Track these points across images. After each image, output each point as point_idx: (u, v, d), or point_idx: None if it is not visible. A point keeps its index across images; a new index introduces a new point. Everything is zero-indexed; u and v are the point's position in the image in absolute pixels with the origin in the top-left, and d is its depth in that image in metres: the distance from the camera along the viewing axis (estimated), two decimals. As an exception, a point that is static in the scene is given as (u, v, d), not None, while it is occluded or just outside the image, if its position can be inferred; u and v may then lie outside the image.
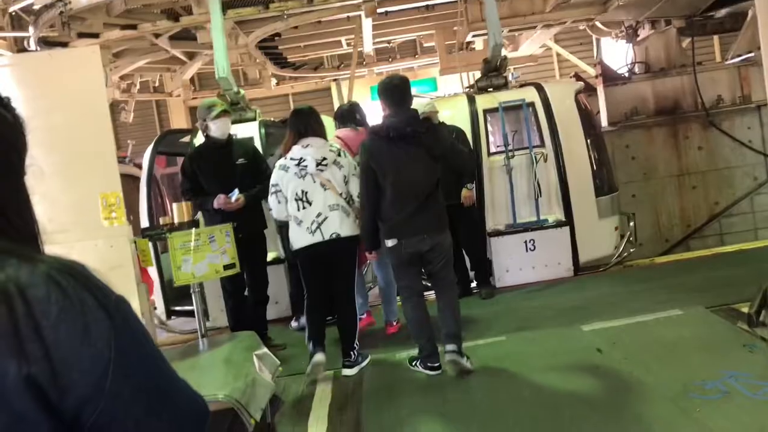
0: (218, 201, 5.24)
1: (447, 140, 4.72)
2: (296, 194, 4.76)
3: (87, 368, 0.84)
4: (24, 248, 0.91)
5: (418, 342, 4.68)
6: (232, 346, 4.47)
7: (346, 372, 4.84)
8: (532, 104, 7.11)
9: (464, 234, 6.52)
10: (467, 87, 8.14)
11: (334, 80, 15.37)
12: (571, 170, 7.06)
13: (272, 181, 4.89)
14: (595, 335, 4.91)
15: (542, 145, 7.06)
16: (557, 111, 7.09)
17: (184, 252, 4.45)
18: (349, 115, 5.91)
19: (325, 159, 4.77)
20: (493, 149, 7.18)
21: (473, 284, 6.89)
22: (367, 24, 10.30)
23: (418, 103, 6.51)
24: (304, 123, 4.91)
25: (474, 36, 10.24)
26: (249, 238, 5.37)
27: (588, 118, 7.51)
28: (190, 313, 6.40)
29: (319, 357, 4.78)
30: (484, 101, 7.23)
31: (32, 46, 8.45)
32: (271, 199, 4.89)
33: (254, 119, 7.03)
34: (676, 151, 10.03)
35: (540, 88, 7.30)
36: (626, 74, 10.55)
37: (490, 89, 7.42)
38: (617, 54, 11.96)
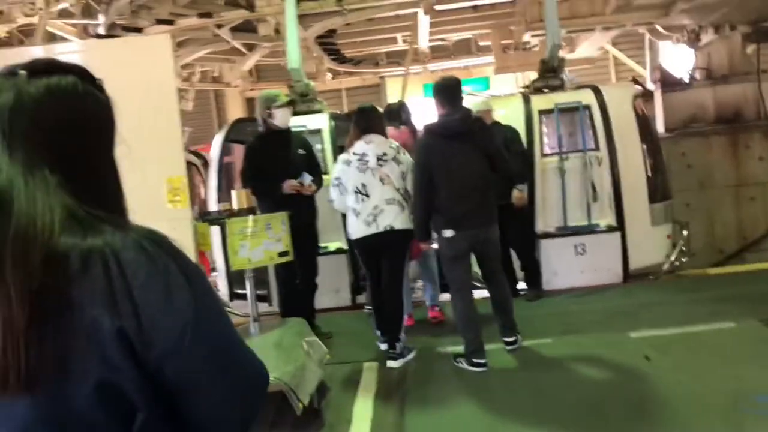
0: (288, 185, 5.35)
1: (497, 142, 5.00)
2: (356, 187, 5.00)
3: (169, 327, 0.96)
4: (117, 218, 1.03)
5: (465, 336, 4.78)
6: (283, 332, 4.58)
7: (391, 364, 4.95)
8: (588, 107, 7.03)
9: (514, 235, 6.51)
10: (523, 87, 8.09)
11: (380, 77, 15.46)
12: (625, 175, 6.96)
13: (335, 174, 5.15)
14: (643, 342, 4.87)
15: (597, 148, 6.99)
16: (614, 115, 7.00)
17: (242, 238, 4.59)
18: (395, 114, 6.01)
19: (385, 155, 4.99)
20: (546, 150, 7.13)
21: (521, 285, 6.88)
22: (423, 21, 10.34)
23: (473, 102, 6.63)
24: (367, 120, 5.19)
25: (531, 36, 10.18)
26: (301, 228, 5.46)
27: (645, 123, 7.39)
28: (258, 297, 6.62)
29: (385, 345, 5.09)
30: (539, 102, 7.19)
31: (102, 33, 8.76)
32: (333, 191, 5.15)
33: (321, 111, 7.16)
34: (735, 160, 9.76)
35: (597, 91, 7.21)
36: (686, 80, 10.32)
37: (546, 90, 7.37)
38: (676, 59, 11.72)
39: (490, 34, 12.73)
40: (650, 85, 10.42)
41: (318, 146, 6.72)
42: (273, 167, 5.44)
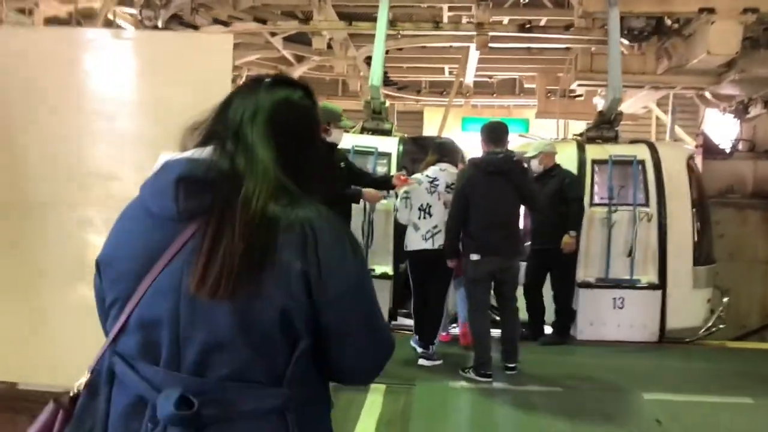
0: (371, 195, 5.57)
1: (533, 185, 5.60)
2: (421, 205, 5.63)
3: (340, 281, 1.30)
4: (310, 199, 1.35)
5: (477, 349, 5.24)
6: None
7: (422, 362, 5.57)
8: (642, 162, 7.03)
9: (555, 279, 6.54)
10: (577, 135, 8.11)
11: (421, 105, 15.55)
12: (672, 234, 6.90)
13: (405, 188, 5.73)
14: (655, 405, 4.78)
15: (647, 204, 6.95)
16: (667, 173, 6.98)
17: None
18: (451, 154, 6.13)
19: (453, 184, 5.57)
20: (596, 200, 7.09)
21: (547, 329, 6.81)
22: (473, 56, 10.42)
23: (538, 143, 6.90)
24: (443, 151, 5.96)
25: (579, 85, 10.19)
26: None
27: (697, 185, 7.34)
28: None
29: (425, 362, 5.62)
30: (593, 151, 7.19)
31: (160, 25, 8.96)
32: (401, 204, 5.75)
33: (390, 131, 7.26)
34: (767, 237, 9.64)
35: (652, 147, 7.22)
36: (728, 150, 10.24)
37: (599, 140, 7.39)
38: (720, 127, 11.65)
39: (536, 77, 12.78)
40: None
41: (383, 170, 6.85)
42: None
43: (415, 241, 5.69)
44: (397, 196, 6.00)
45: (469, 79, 12.36)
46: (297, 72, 12.66)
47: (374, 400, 4.75)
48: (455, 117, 15.18)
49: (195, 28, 8.73)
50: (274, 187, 1.30)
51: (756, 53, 8.73)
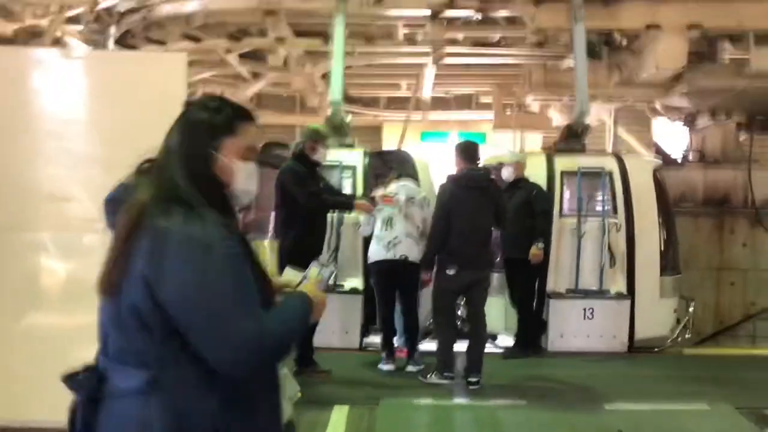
0: (364, 205, 5.75)
1: (504, 200, 5.87)
2: (384, 218, 5.84)
3: (173, 285, 1.46)
4: (206, 208, 1.52)
5: (441, 354, 5.39)
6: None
7: (410, 368, 5.79)
8: (610, 173, 7.15)
9: (519, 290, 6.62)
10: (546, 148, 8.26)
11: (380, 120, 15.62)
12: (639, 244, 7.03)
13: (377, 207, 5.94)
14: (617, 416, 4.84)
15: (615, 214, 7.07)
16: (634, 184, 7.12)
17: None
18: (408, 168, 6.65)
19: (413, 198, 5.93)
20: (565, 211, 7.18)
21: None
22: (430, 72, 10.52)
23: (509, 154, 7.09)
24: (402, 168, 6.51)
25: (534, 99, 10.36)
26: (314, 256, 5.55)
27: (663, 196, 7.50)
28: None
29: (389, 367, 5.88)
30: (563, 163, 7.30)
31: (110, 45, 8.81)
32: (364, 219, 5.96)
33: (352, 146, 7.29)
34: (719, 244, 9.91)
35: (619, 159, 7.37)
36: (679, 160, 10.53)
37: (566, 153, 7.52)
38: (671, 138, 11.96)
39: (492, 91, 12.95)
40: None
41: (349, 181, 6.88)
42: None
43: (376, 253, 5.89)
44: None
45: (427, 94, 12.46)
46: (254, 89, 12.60)
47: (338, 419, 4.70)
48: (414, 131, 15.24)
49: (162, 43, 8.61)
50: (164, 200, 1.51)
51: (701, 67, 9.02)
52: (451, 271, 5.29)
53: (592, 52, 8.50)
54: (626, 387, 5.65)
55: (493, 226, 5.61)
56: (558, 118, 12.23)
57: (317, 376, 5.53)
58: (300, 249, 5.46)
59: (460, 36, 9.70)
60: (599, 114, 12.11)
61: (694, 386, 5.64)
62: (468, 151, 5.59)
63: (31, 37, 10.38)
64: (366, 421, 4.71)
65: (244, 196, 1.71)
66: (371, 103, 14.83)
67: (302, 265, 5.35)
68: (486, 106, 14.40)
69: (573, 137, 7.63)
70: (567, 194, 7.27)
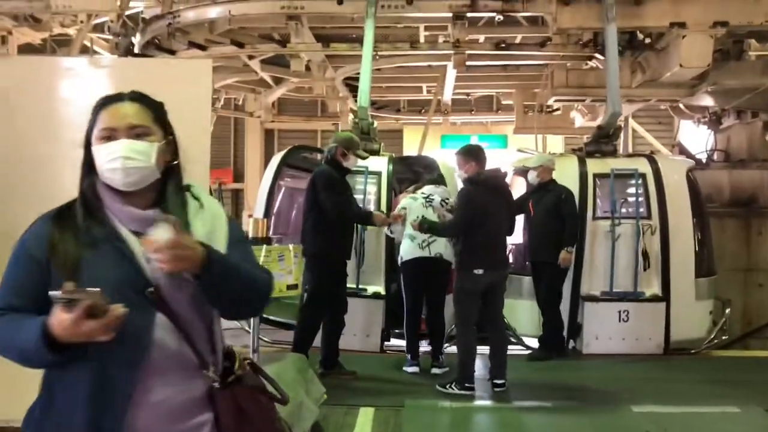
0: (381, 219, 5.81)
1: (515, 203, 5.96)
2: (416, 217, 5.82)
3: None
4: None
5: (463, 363, 5.31)
6: (283, 366, 4.53)
7: (435, 371, 5.87)
8: (643, 175, 7.11)
9: (543, 292, 6.60)
10: (576, 149, 8.18)
11: (401, 123, 15.65)
12: (674, 246, 6.96)
13: (401, 204, 6.22)
14: (644, 418, 4.79)
15: (649, 217, 7.01)
16: (668, 185, 7.06)
17: (253, 266, 4.58)
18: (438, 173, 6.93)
19: (447, 200, 6.12)
20: (599, 214, 7.14)
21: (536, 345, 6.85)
22: (451, 74, 10.51)
23: (537, 156, 7.15)
24: (430, 173, 6.94)
25: (556, 100, 10.30)
26: (344, 265, 5.73)
27: (697, 198, 7.42)
28: (283, 325, 6.62)
29: (414, 369, 5.96)
30: (595, 165, 7.26)
31: (137, 50, 8.93)
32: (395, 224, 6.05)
33: (378, 151, 7.31)
34: (746, 245, 9.74)
35: (652, 161, 7.31)
36: (704, 160, 10.39)
37: (598, 155, 7.47)
38: (695, 139, 11.82)
39: (514, 93, 12.92)
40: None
41: (373, 188, 6.94)
42: (349, 198, 5.70)
43: (410, 251, 6.00)
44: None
45: (447, 96, 12.46)
46: (276, 94, 12.71)
47: (364, 421, 4.72)
48: (434, 135, 15.28)
49: (172, 53, 8.71)
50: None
51: (727, 65, 8.90)
52: (478, 271, 5.28)
53: (621, 51, 8.40)
54: (655, 389, 5.58)
55: (508, 232, 5.73)
56: (580, 120, 12.17)
57: (343, 378, 5.56)
58: (328, 254, 5.51)
59: (481, 38, 9.70)
60: (623, 115, 12.00)
61: (724, 389, 5.58)
62: (478, 153, 5.62)
63: (58, 45, 10.60)
64: (392, 423, 4.72)
65: (112, 176, 1.66)
66: (392, 106, 14.87)
67: (332, 272, 5.34)
68: (508, 108, 14.38)
69: (604, 139, 7.57)
70: (600, 196, 7.22)
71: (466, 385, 5.25)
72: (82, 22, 9.02)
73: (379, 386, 5.62)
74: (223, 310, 1.73)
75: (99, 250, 1.62)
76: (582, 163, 7.30)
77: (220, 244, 1.70)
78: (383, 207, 6.83)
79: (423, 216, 5.74)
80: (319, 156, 6.33)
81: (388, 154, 7.49)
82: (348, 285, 6.21)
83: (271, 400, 1.80)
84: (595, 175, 7.18)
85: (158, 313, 1.61)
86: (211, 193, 7.02)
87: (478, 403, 5.18)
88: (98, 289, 1.46)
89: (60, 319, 1.45)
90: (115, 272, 1.60)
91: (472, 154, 5.60)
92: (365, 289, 6.70)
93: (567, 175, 7.04)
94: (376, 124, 7.55)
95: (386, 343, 6.88)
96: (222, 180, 16.25)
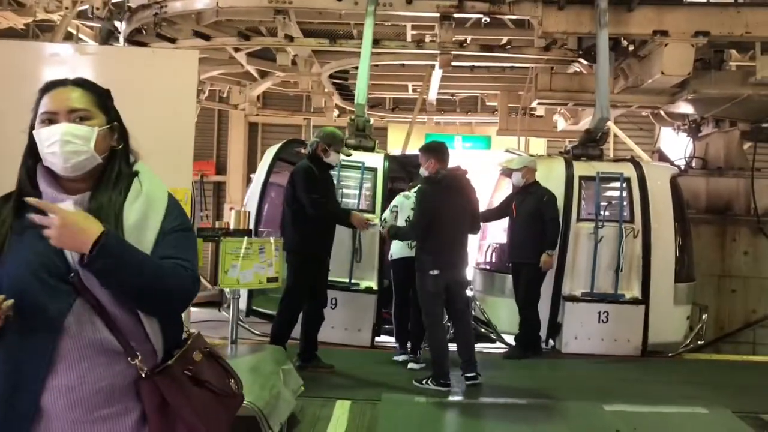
0: (358, 220, 5.78)
1: (477, 201, 5.85)
2: (408, 218, 6.07)
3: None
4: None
5: (437, 361, 5.36)
6: (261, 357, 4.56)
7: (412, 366, 6.01)
8: (628, 179, 7.22)
9: (521, 291, 6.65)
10: (563, 152, 8.28)
11: (386, 121, 15.68)
12: (655, 251, 7.08)
13: (394, 203, 6.34)
14: (615, 416, 4.88)
15: (632, 221, 7.11)
16: (652, 190, 7.18)
17: (234, 258, 4.61)
18: None
19: None
20: (583, 215, 7.24)
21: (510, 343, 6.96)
22: (437, 74, 10.56)
23: (520, 158, 7.19)
24: None
25: (539, 103, 10.40)
26: (325, 259, 5.77)
27: (680, 204, 7.55)
28: (269, 317, 6.59)
29: (403, 357, 6.20)
30: (581, 168, 7.37)
31: (121, 41, 8.87)
32: (390, 217, 6.23)
33: (373, 148, 7.35)
34: (720, 252, 9.92)
35: (637, 166, 7.44)
36: (682, 167, 10.55)
37: (584, 158, 7.58)
38: (675, 145, 11.99)
39: (498, 95, 13.00)
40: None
41: (368, 185, 6.98)
42: (329, 195, 5.69)
43: (399, 251, 6.25)
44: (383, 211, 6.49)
45: (433, 96, 12.51)
46: (261, 87, 12.68)
47: (340, 414, 4.76)
48: (419, 134, 15.28)
49: (172, 41, 8.68)
50: None
51: (707, 74, 9.05)
52: (434, 272, 5.29)
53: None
54: (628, 389, 5.69)
55: (469, 230, 5.62)
56: (563, 123, 12.29)
57: (320, 371, 5.60)
58: (306, 248, 5.55)
59: (468, 39, 9.76)
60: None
61: (695, 390, 5.69)
62: (442, 150, 5.59)
63: (42, 31, 10.48)
64: (368, 416, 4.77)
65: (52, 159, 1.66)
66: (377, 104, 14.89)
67: (311, 266, 5.33)
68: (492, 110, 14.46)
69: (591, 143, 7.68)
70: (585, 199, 7.33)
71: (442, 381, 5.31)
72: (66, 8, 8.93)
73: (358, 380, 5.68)
74: (127, 300, 1.64)
75: (25, 235, 1.63)
76: (569, 165, 7.41)
77: (151, 232, 1.69)
78: (378, 203, 6.90)
79: (391, 223, 5.99)
80: (303, 150, 6.35)
81: (383, 151, 7.54)
82: (340, 279, 6.35)
83: (213, 392, 1.73)
84: (581, 178, 7.29)
85: (78, 300, 1.60)
86: (193, 186, 6.94)
87: (453, 398, 5.25)
88: None
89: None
90: (35, 257, 1.61)
91: (432, 151, 5.58)
92: (358, 284, 6.76)
93: (553, 176, 7.15)
94: (372, 121, 7.58)
95: (377, 338, 6.93)
96: (204, 172, 16.17)
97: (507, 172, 7.51)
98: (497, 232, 8.14)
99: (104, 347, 1.62)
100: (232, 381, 1.83)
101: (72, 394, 1.59)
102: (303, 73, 10.83)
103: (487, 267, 8.22)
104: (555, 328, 7.02)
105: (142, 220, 1.69)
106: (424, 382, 5.37)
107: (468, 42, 9.35)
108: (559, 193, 6.98)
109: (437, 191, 5.40)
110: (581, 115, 12.34)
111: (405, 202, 6.24)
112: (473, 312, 7.13)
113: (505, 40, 9.80)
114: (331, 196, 5.81)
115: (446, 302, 5.43)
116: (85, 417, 1.60)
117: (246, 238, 4.85)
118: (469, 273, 8.09)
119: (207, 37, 9.05)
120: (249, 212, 5.65)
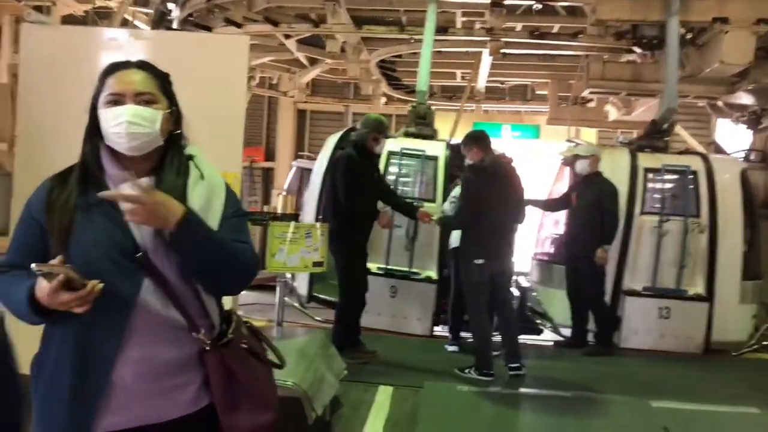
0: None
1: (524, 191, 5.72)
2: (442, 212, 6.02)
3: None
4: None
5: (480, 349, 5.37)
6: (307, 341, 4.61)
7: (448, 347, 6.22)
8: (695, 173, 7.01)
9: (586, 288, 6.51)
10: (627, 143, 8.08)
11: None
12: (722, 247, 6.87)
13: (453, 193, 6.20)
14: (663, 413, 4.79)
15: (698, 215, 6.91)
16: (720, 185, 6.96)
17: (281, 242, 4.67)
18: None
19: None
20: (647, 209, 7.04)
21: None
22: (486, 61, 10.46)
23: (584, 146, 6.99)
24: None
25: (591, 92, 10.19)
26: (362, 243, 5.69)
27: (749, 199, 7.28)
28: (330, 304, 6.67)
29: (454, 348, 6.21)
30: (646, 160, 7.17)
31: (175, 26, 9.05)
32: (448, 207, 6.17)
33: (433, 136, 7.27)
34: (781, 247, 9.58)
35: (705, 159, 7.22)
36: (740, 160, 10.21)
37: (648, 150, 7.37)
38: (732, 138, 11.61)
39: (549, 83, 12.79)
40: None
41: (430, 173, 6.91)
42: (369, 187, 5.61)
43: (457, 239, 6.02)
44: (444, 201, 6.45)
45: (481, 84, 12.40)
46: (310, 75, 12.78)
47: (382, 401, 4.80)
48: (466, 122, 15.17)
49: (208, 29, 8.81)
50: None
51: (768, 63, 8.73)
52: (480, 261, 5.25)
53: (660, 44, 8.28)
54: (677, 386, 5.57)
55: (515, 219, 5.53)
56: (615, 113, 12.02)
57: (364, 356, 5.64)
58: (346, 235, 5.55)
59: (518, 26, 9.63)
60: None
61: (749, 390, 5.53)
62: (484, 139, 5.52)
63: (100, 18, 10.77)
64: (410, 402, 4.80)
65: (117, 140, 1.69)
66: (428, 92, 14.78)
67: (352, 253, 5.22)
68: (541, 99, 14.25)
69: (656, 134, 7.46)
70: (649, 191, 7.12)
71: (485, 371, 5.29)
72: (124, -5, 9.14)
73: (402, 367, 5.69)
74: (199, 279, 1.70)
75: (91, 213, 1.67)
76: (633, 156, 7.21)
77: (215, 216, 1.74)
78: (439, 192, 6.81)
79: (443, 212, 5.83)
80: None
81: (444, 140, 7.42)
82: (400, 268, 6.39)
83: (264, 362, 1.86)
84: (646, 170, 7.09)
85: (146, 278, 1.65)
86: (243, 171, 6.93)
87: (496, 389, 5.22)
88: (69, 266, 1.53)
89: (41, 288, 1.55)
90: (105, 236, 1.65)
91: (474, 140, 5.53)
92: (418, 273, 6.75)
93: (618, 168, 6.95)
94: (432, 109, 7.49)
95: (436, 328, 6.88)
96: (253, 158, 16.42)
97: (568, 161, 7.33)
98: (553, 222, 8.02)
99: (170, 323, 1.69)
100: (270, 352, 1.93)
101: (140, 367, 1.66)
102: (351, 60, 10.86)
103: (545, 258, 8.08)
104: (615, 323, 6.84)
105: (206, 204, 1.74)
106: (466, 371, 5.35)
107: (519, 29, 9.22)
108: (623, 184, 6.79)
109: (482, 179, 5.35)
110: (634, 105, 12.04)
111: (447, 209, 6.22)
112: (528, 303, 7.06)
113: (556, 27, 9.63)
114: (376, 185, 5.73)
115: (491, 292, 5.38)
116: (151, 388, 1.67)
117: (293, 222, 4.91)
118: (527, 264, 8.08)
119: (275, 23, 9.10)
120: (294, 197, 5.69)
